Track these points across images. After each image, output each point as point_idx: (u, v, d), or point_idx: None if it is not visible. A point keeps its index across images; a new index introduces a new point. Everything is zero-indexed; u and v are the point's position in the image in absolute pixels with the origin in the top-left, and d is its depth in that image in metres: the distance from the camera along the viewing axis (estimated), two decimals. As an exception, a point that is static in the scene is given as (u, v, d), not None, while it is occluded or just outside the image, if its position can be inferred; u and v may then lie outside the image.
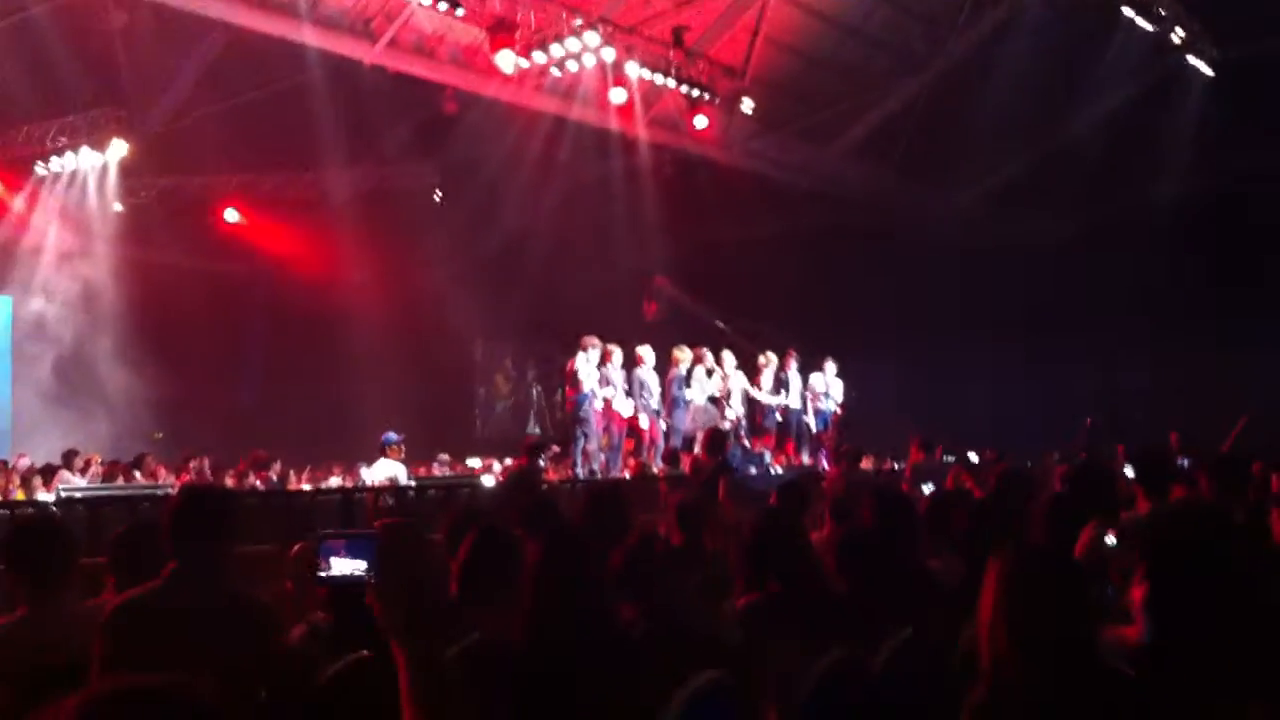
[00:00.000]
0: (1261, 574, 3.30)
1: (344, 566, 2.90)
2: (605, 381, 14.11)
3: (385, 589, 2.84)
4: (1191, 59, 17.20)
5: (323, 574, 2.93)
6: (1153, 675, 2.81)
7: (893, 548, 4.74)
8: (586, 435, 13.85)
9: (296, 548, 7.20)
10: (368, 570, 2.83)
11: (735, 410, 15.72)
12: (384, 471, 11.98)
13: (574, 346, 14.29)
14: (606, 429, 14.18)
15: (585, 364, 13.94)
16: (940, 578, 4.78)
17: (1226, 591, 2.79)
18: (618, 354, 14.34)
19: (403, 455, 12.38)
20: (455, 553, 4.73)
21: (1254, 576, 3.13)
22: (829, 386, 16.92)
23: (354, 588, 2.87)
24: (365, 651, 3.71)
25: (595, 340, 14.15)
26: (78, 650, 3.94)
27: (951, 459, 14.75)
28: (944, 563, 4.94)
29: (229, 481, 13.45)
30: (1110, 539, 4.38)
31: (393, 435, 12.36)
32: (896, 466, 16.43)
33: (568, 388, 14.21)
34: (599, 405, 14.07)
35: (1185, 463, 7.27)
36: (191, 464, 14.06)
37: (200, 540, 4.00)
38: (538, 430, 25.47)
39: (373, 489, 11.37)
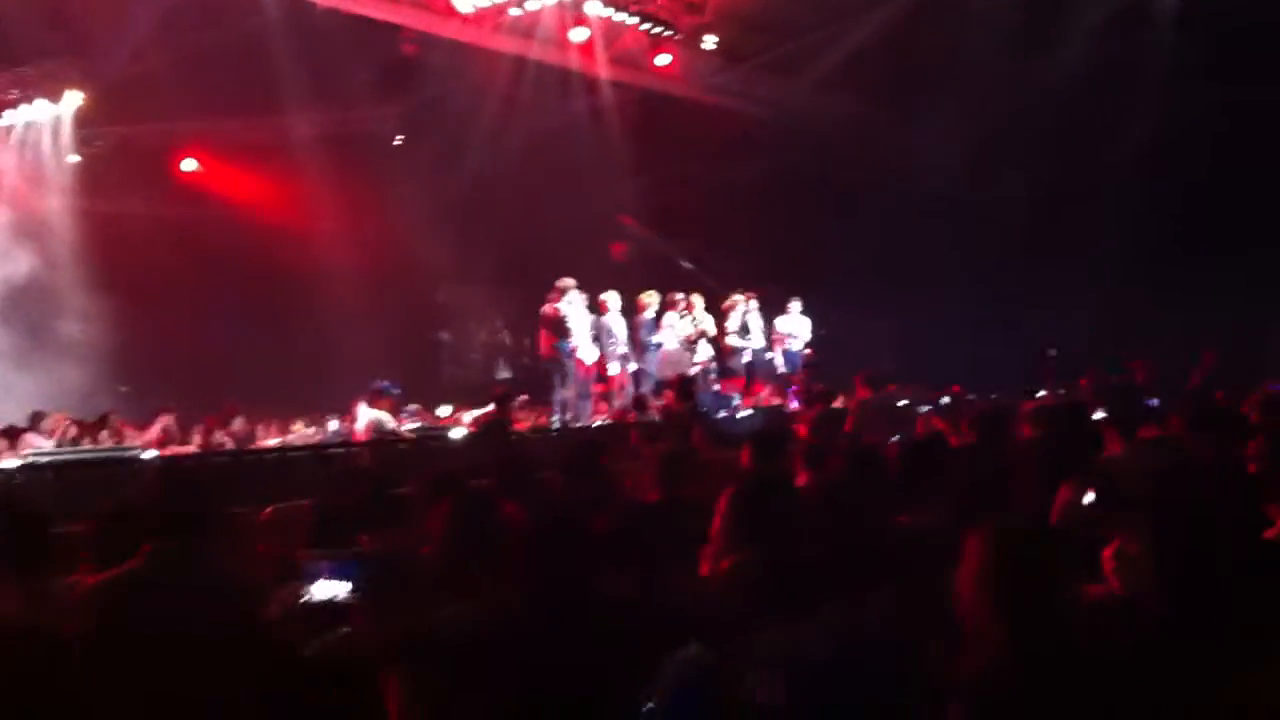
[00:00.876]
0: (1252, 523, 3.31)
1: (327, 590, 2.87)
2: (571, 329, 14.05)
3: None
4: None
5: (304, 599, 2.91)
6: (1159, 645, 2.82)
7: (868, 502, 4.73)
8: (563, 381, 13.81)
9: (268, 511, 7.21)
10: (352, 593, 2.81)
11: (705, 353, 15.73)
12: (366, 419, 11.86)
13: (543, 290, 14.19)
14: (575, 376, 14.13)
15: (567, 308, 13.86)
16: (916, 531, 4.77)
17: (1232, 551, 2.80)
18: (581, 299, 14.26)
19: (394, 408, 12.18)
20: (428, 514, 4.73)
21: (1251, 529, 3.14)
22: (795, 326, 16.89)
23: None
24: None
25: (572, 283, 14.06)
26: (54, 629, 3.93)
27: (904, 401, 14.80)
28: (924, 516, 4.91)
29: (196, 439, 13.35)
30: (1089, 497, 4.38)
31: (387, 384, 12.16)
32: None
33: (547, 332, 14.09)
34: (579, 353, 14.06)
35: (1155, 401, 7.28)
36: (158, 421, 13.93)
37: (176, 529, 3.97)
38: (508, 374, 25.40)
39: (345, 444, 11.31)
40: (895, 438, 7.79)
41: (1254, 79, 16.57)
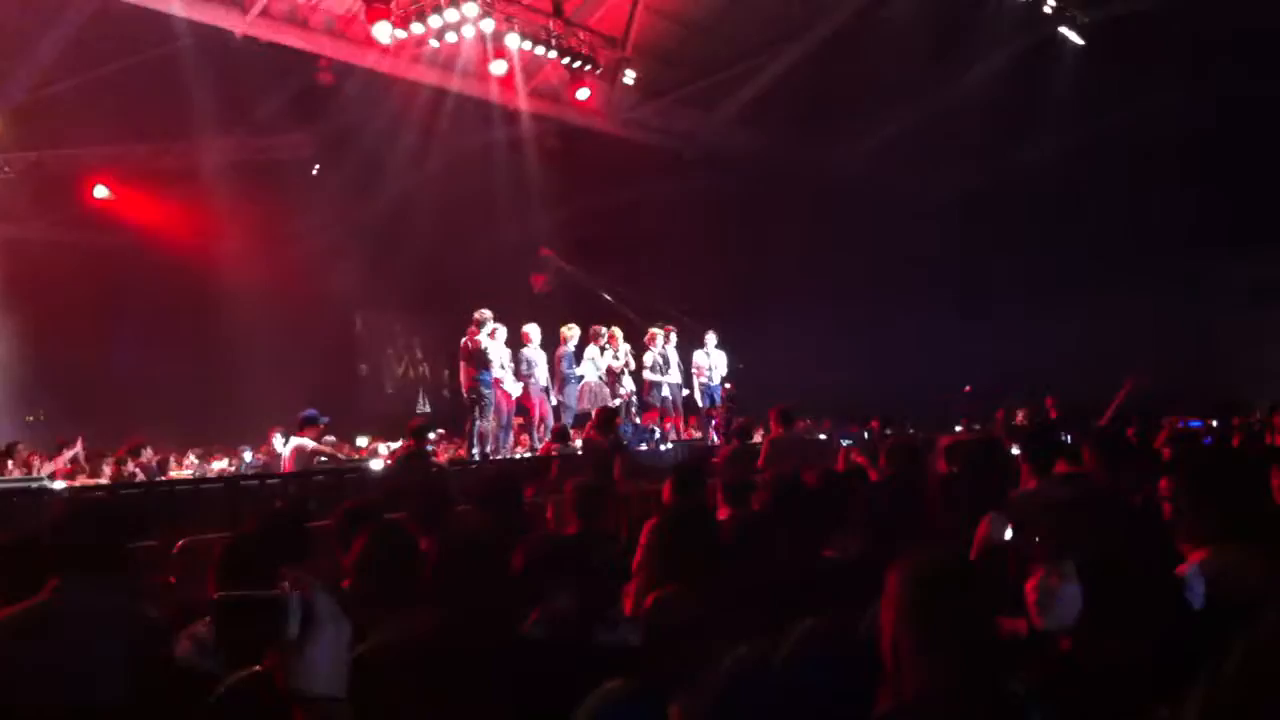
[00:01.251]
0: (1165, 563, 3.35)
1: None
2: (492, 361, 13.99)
3: None
4: (1063, 29, 17.48)
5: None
6: (1078, 679, 2.84)
7: (790, 535, 4.75)
8: (483, 414, 13.72)
9: (179, 545, 7.09)
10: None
11: (627, 386, 15.75)
12: (293, 447, 11.64)
13: (463, 321, 14.11)
14: (496, 408, 14.06)
15: (488, 341, 13.80)
16: (838, 563, 4.80)
17: (1146, 587, 2.82)
18: (502, 331, 14.21)
19: (319, 437, 11.94)
20: (346, 547, 4.67)
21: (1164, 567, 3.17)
22: (712, 360, 16.95)
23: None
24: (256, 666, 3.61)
25: (489, 315, 13.99)
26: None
27: (823, 436, 14.90)
28: (841, 547, 4.94)
29: (106, 470, 13.07)
30: (1008, 533, 4.42)
31: (314, 411, 11.92)
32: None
33: (466, 365, 14.01)
34: (504, 385, 14.01)
35: (1068, 437, 7.39)
36: (65, 452, 13.61)
37: (82, 563, 3.87)
38: (428, 409, 25.22)
39: (260, 476, 11.12)
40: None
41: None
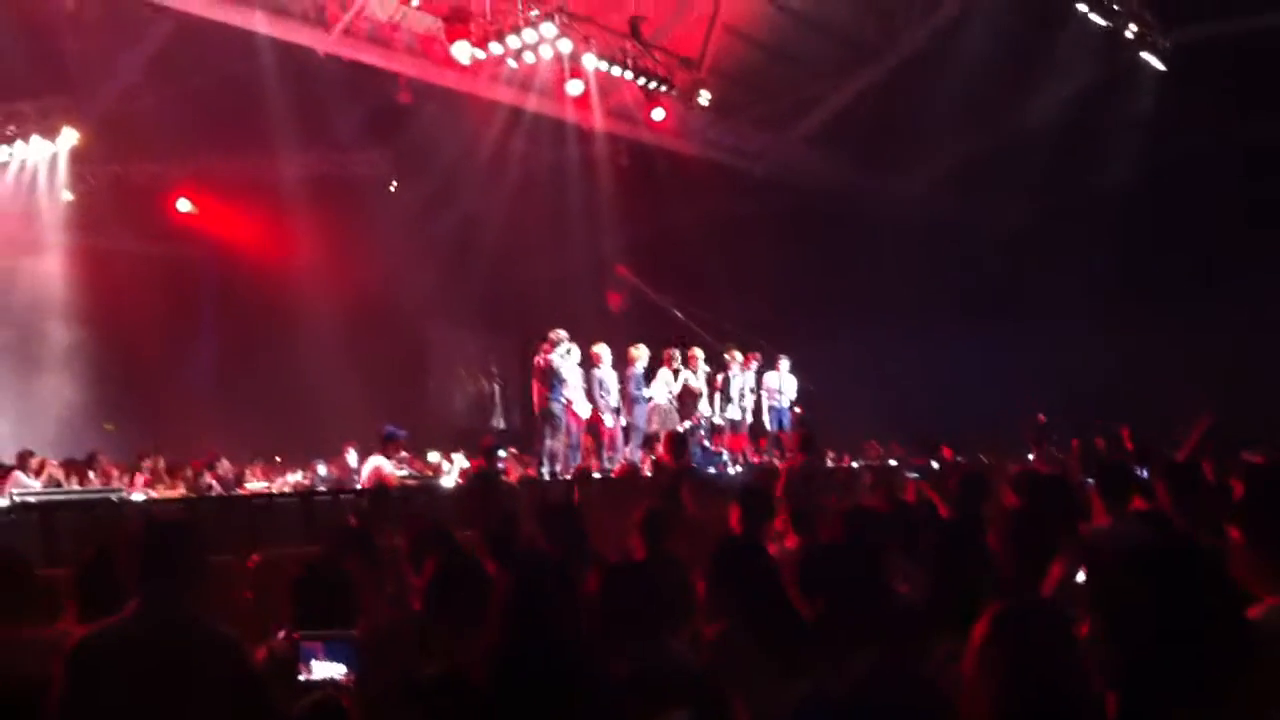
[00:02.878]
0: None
1: (323, 670, 2.88)
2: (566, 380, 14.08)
3: None
4: (1144, 54, 17.26)
5: (302, 679, 2.91)
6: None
7: (863, 568, 4.71)
8: (553, 433, 13.82)
9: (255, 559, 7.18)
10: (347, 674, 2.82)
11: (702, 410, 15.81)
12: (373, 466, 11.76)
13: (535, 340, 14.22)
14: (567, 428, 14.14)
15: (560, 360, 13.90)
16: (907, 599, 4.77)
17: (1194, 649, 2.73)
18: (576, 352, 14.30)
19: (399, 454, 12.04)
20: (418, 569, 4.74)
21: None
22: (783, 383, 16.93)
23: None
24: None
25: (565, 335, 14.11)
26: (36, 678, 3.90)
27: (894, 462, 14.76)
28: (908, 583, 4.92)
29: (181, 483, 13.31)
30: (1081, 576, 4.37)
31: (392, 429, 12.02)
32: (855, 465, 16.57)
33: (539, 384, 14.10)
34: (574, 406, 14.09)
35: (1144, 472, 7.29)
36: (145, 463, 13.88)
37: (162, 579, 3.95)
38: (502, 425, 25.34)
39: (334, 492, 11.26)
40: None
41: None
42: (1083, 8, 16.25)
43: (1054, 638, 2.72)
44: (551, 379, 13.83)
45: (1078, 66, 17.88)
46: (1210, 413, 10.66)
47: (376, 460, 11.70)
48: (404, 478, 11.85)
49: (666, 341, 16.20)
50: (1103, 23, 16.59)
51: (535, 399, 14.15)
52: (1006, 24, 17.17)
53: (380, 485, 11.13)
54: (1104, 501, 5.91)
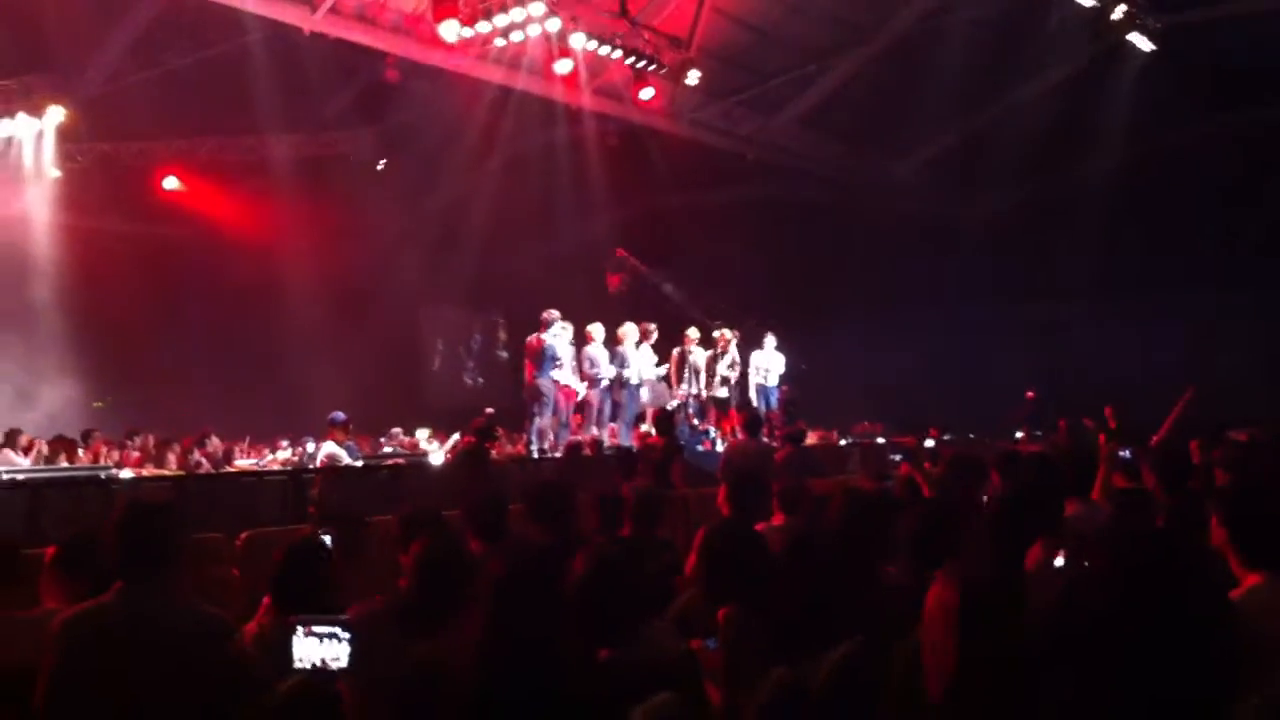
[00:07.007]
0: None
1: (313, 652, 2.91)
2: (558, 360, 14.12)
3: None
4: (1132, 36, 17.21)
5: (295, 664, 2.94)
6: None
7: (858, 554, 4.69)
8: (541, 411, 13.86)
9: (244, 536, 7.22)
10: (337, 657, 2.84)
11: (688, 387, 15.86)
12: (325, 454, 11.77)
13: (526, 318, 14.25)
14: (555, 406, 14.18)
15: (553, 340, 13.93)
16: (891, 585, 4.76)
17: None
18: (568, 331, 14.33)
19: (349, 436, 12.09)
20: (405, 548, 4.75)
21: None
22: (769, 362, 16.96)
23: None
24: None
25: (557, 315, 14.14)
26: (21, 658, 3.93)
27: (881, 440, 14.77)
28: (895, 567, 4.91)
29: (172, 459, 13.30)
30: (1059, 560, 4.39)
31: (339, 415, 12.06)
32: (843, 442, 16.63)
33: (531, 363, 14.13)
34: (563, 382, 14.12)
35: (1126, 452, 7.29)
36: (135, 441, 13.88)
37: (145, 561, 3.98)
38: (481, 381, 25.42)
39: (317, 470, 11.25)
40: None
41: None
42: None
43: (1005, 607, 2.75)
44: (543, 358, 13.86)
45: (1065, 49, 17.85)
46: (1192, 386, 10.71)
47: (328, 446, 11.70)
48: (369, 458, 11.84)
49: (658, 321, 16.23)
50: (1091, 2, 16.55)
51: (526, 377, 14.20)
52: (993, 6, 17.17)
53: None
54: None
